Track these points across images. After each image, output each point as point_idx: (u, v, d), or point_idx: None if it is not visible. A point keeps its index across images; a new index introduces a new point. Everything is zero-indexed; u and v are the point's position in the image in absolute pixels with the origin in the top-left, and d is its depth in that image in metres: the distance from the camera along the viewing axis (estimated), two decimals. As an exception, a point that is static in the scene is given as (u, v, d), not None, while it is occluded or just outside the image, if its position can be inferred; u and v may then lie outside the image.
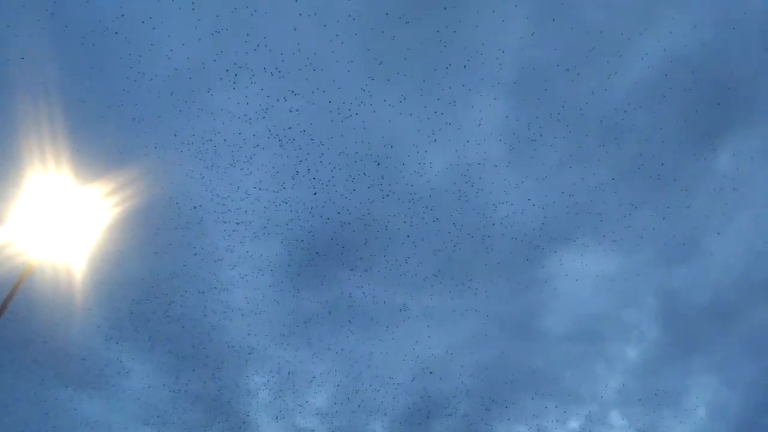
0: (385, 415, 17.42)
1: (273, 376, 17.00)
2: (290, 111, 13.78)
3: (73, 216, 12.16)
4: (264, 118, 13.62)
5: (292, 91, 13.69)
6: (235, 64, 13.39)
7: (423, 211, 15.27)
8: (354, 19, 13.02)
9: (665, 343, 17.64)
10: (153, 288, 15.57)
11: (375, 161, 14.14)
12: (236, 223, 14.37)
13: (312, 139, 13.94)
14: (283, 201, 14.64)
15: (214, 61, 13.35)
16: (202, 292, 15.50)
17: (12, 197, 11.86)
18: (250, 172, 14.11)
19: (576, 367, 17.41)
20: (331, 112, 13.93)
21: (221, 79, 13.62)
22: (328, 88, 13.72)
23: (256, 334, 16.26)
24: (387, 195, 14.83)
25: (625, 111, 14.68)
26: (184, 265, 15.73)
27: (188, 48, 13.08)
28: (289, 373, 17.02)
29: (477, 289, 15.96)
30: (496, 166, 14.97)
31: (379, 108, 14.07)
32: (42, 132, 11.76)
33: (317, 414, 17.52)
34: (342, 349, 16.93)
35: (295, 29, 13.10)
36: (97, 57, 12.30)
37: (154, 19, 12.54)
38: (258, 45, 13.32)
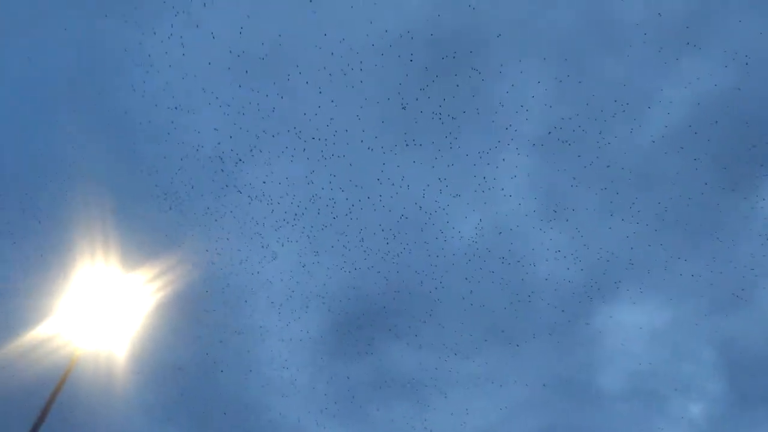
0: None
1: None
2: (321, 185, 13.96)
3: (117, 304, 12.29)
4: (294, 195, 13.83)
5: (322, 163, 13.91)
6: (260, 140, 13.72)
7: (463, 273, 15.07)
8: (376, 87, 13.32)
9: (728, 396, 16.65)
10: (196, 369, 15.43)
11: (413, 227, 14.12)
12: (276, 299, 14.35)
13: (345, 210, 14.05)
14: (320, 273, 14.63)
15: (243, 141, 13.70)
16: (248, 371, 15.31)
17: (59, 289, 12.11)
18: (286, 246, 14.20)
19: (637, 428, 16.46)
20: (360, 181, 14.07)
21: (252, 156, 13.92)
22: (356, 158, 13.91)
23: (300, 411, 15.87)
24: (425, 259, 14.71)
25: (657, 159, 14.54)
26: (227, 345, 15.62)
27: (219, 132, 13.48)
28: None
29: (525, 351, 15.47)
30: (530, 222, 14.82)
31: (408, 173, 14.17)
32: (86, 224, 12.09)
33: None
34: (391, 421, 16.37)
35: (319, 107, 13.45)
36: (131, 142, 12.74)
37: (185, 106, 13.04)
38: (286, 121, 13.67)
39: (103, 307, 12.61)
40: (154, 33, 12.19)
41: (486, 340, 15.46)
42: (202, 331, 14.84)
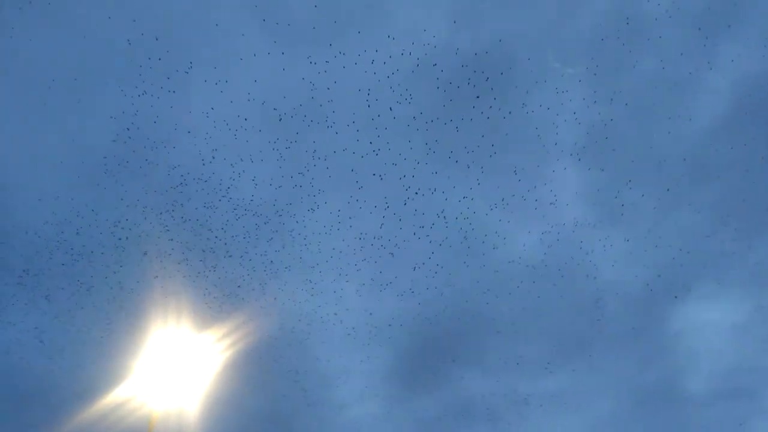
0: None
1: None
2: (369, 218, 14.02)
3: (190, 363, 12.54)
4: (344, 232, 13.92)
5: (369, 196, 13.96)
6: (304, 184, 13.91)
7: (524, 290, 14.75)
8: (410, 114, 13.35)
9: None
10: (270, 421, 15.51)
11: (468, 250, 13.98)
12: (341, 340, 14.37)
13: (397, 241, 14.03)
14: (381, 309, 14.58)
15: (294, 186, 13.93)
16: (321, 418, 15.31)
17: (134, 352, 12.50)
18: (344, 284, 14.25)
19: (734, 428, 15.49)
20: (407, 209, 14.02)
21: (302, 202, 14.13)
22: (399, 185, 13.89)
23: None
24: (485, 282, 14.49)
25: (708, 148, 14.01)
26: (298, 392, 15.67)
27: (264, 183, 13.75)
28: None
29: (600, 363, 14.90)
30: (587, 230, 14.43)
31: (453, 195, 14.07)
32: (158, 289, 12.49)
33: None
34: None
35: (357, 140, 13.56)
36: (184, 202, 13.12)
37: (240, 162, 13.39)
38: (326, 161, 13.82)
39: (176, 367, 12.88)
40: (189, 98, 12.65)
41: (559, 356, 15.00)
42: (272, 380, 14.92)
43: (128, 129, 11.97)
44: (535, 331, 14.88)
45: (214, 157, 12.51)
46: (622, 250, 14.13)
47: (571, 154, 13.82)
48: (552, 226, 14.23)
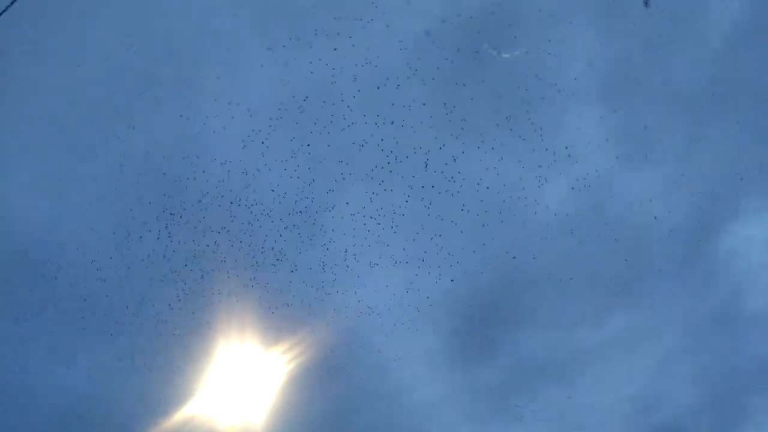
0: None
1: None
2: (401, 198, 13.93)
3: (255, 378, 12.63)
4: (382, 215, 13.85)
5: (397, 178, 13.86)
6: (327, 180, 13.83)
7: (563, 243, 14.61)
8: (424, 85, 13.13)
9: None
10: (338, 423, 15.56)
11: (500, 213, 13.84)
12: (394, 326, 14.37)
13: (432, 217, 13.94)
14: (425, 286, 14.52)
15: (317, 184, 13.84)
16: (388, 408, 15.36)
17: (201, 369, 12.61)
18: (387, 270, 14.21)
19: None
20: (435, 181, 13.86)
21: (330, 197, 14.03)
22: (421, 162, 13.72)
23: (451, 428, 15.76)
24: (522, 241, 14.37)
25: (727, 64, 13.71)
26: (362, 389, 15.68)
27: (289, 187, 13.69)
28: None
29: (655, 300, 14.79)
30: (617, 173, 14.23)
31: (475, 163, 13.90)
32: (224, 307, 12.58)
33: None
34: (540, 409, 16.00)
35: (377, 125, 13.41)
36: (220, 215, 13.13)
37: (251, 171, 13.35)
38: (345, 152, 13.69)
39: (241, 382, 12.94)
40: (206, 117, 12.58)
41: (612, 301, 14.91)
42: (335, 383, 14.93)
43: (152, 153, 12.02)
44: (583, 281, 14.79)
45: (246, 174, 12.52)
46: (657, 187, 13.93)
47: (588, 100, 13.61)
48: (581, 175, 14.05)
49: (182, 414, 13.00)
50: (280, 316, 13.25)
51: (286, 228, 13.11)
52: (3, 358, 12.47)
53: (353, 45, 12.24)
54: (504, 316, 15.06)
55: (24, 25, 11.12)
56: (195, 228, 12.87)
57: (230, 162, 12.61)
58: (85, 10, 11.74)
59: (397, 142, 13.26)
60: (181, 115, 12.18)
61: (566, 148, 13.80)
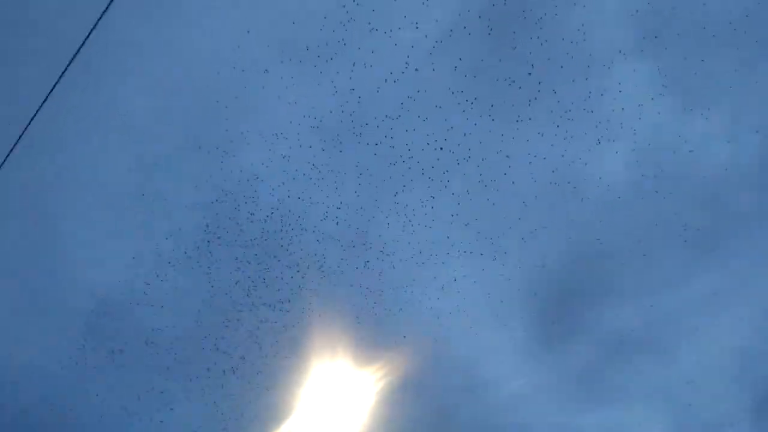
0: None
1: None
2: (454, 194, 13.75)
3: (350, 398, 12.73)
4: (433, 216, 13.71)
5: (443, 175, 13.69)
6: (387, 187, 13.79)
7: (631, 208, 14.01)
8: (452, 71, 12.93)
9: None
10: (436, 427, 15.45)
11: (559, 188, 13.42)
12: (475, 322, 14.19)
13: (491, 207, 13.69)
14: (502, 278, 14.27)
15: (368, 196, 13.83)
16: (484, 407, 15.15)
17: (296, 389, 12.84)
18: (462, 267, 14.04)
19: None
20: (484, 164, 13.59)
21: (384, 206, 13.98)
22: (465, 152, 13.47)
23: (552, 415, 15.36)
24: (590, 216, 13.87)
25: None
26: (448, 393, 15.54)
27: (353, 201, 13.74)
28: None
29: (741, 248, 13.92)
30: (673, 125, 13.52)
31: (522, 143, 13.52)
32: (318, 324, 12.88)
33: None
34: (639, 382, 15.35)
35: (415, 130, 13.31)
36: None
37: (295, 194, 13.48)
38: (392, 159, 13.63)
39: (336, 401, 13.08)
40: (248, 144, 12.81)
41: (695, 259, 14.14)
42: (424, 395, 14.84)
43: (217, 200, 12.38)
44: (661, 243, 14.10)
45: (299, 198, 12.69)
46: (721, 131, 13.15)
47: (629, 57, 13.02)
48: (635, 137, 13.44)
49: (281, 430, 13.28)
50: (360, 334, 13.30)
51: (347, 248, 13.19)
52: (101, 410, 13.03)
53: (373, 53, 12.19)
54: (583, 294, 14.56)
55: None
56: (273, 257, 13.12)
57: (281, 189, 12.80)
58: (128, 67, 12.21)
59: (436, 139, 13.10)
60: (221, 162, 12.48)
61: (613, 111, 13.27)
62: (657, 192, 13.47)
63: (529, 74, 12.50)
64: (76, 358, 12.43)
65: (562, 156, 13.03)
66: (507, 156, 13.14)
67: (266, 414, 13.18)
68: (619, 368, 15.27)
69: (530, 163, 13.21)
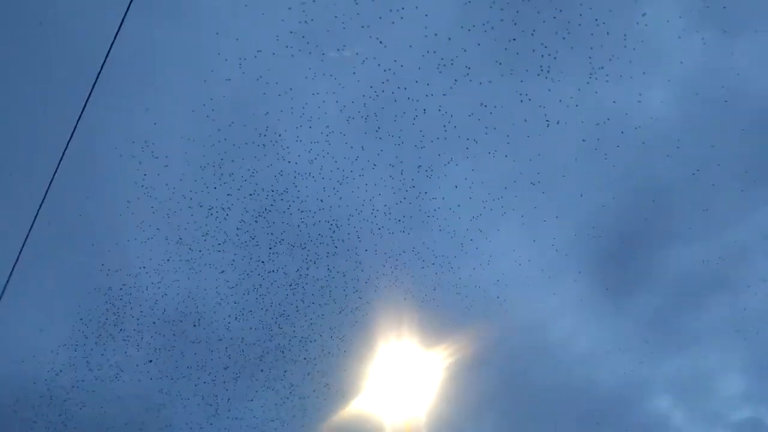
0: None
1: (676, 393, 15.43)
2: (498, 159, 13.54)
3: (417, 376, 12.74)
4: (488, 182, 13.54)
5: (487, 143, 13.51)
6: (430, 165, 13.68)
7: (682, 147, 13.55)
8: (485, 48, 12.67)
9: None
10: (512, 394, 15.38)
11: (610, 134, 13.03)
12: (540, 282, 14.03)
13: (540, 167, 13.45)
14: (560, 236, 14.05)
15: (410, 174, 13.73)
16: (555, 367, 15.02)
17: (365, 368, 12.96)
18: (520, 229, 13.87)
19: None
20: (532, 131, 13.33)
21: (431, 183, 13.89)
22: (508, 116, 13.23)
23: (632, 374, 15.12)
24: (642, 158, 13.47)
25: None
26: (521, 358, 15.42)
27: (401, 182, 13.67)
28: (690, 381, 15.36)
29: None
30: (715, 49, 12.98)
31: (563, 96, 13.11)
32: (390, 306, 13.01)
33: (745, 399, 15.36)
34: (711, 322, 14.96)
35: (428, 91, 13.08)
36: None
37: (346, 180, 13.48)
38: (434, 135, 13.49)
39: (404, 380, 13.07)
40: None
41: (757, 192, 13.62)
42: (497, 362, 14.73)
43: (270, 207, 12.52)
44: (719, 179, 13.59)
45: (351, 189, 12.67)
46: (760, 55, 12.59)
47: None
48: (676, 74, 12.99)
49: (349, 412, 13.40)
50: (424, 313, 13.28)
51: (405, 229, 13.16)
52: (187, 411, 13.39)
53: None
54: (644, 239, 14.19)
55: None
56: (332, 249, 13.22)
57: (327, 180, 12.85)
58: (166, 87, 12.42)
59: (475, 104, 12.92)
60: (270, 165, 12.58)
61: (650, 51, 12.85)
62: (708, 124, 13.02)
63: (555, 33, 12.19)
64: (163, 361, 12.92)
65: (606, 101, 12.68)
66: (548, 111, 12.88)
67: (338, 394, 13.36)
68: (690, 311, 14.92)
69: (572, 113, 12.93)
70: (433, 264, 13.73)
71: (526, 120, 12.64)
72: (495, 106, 12.98)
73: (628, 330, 15.17)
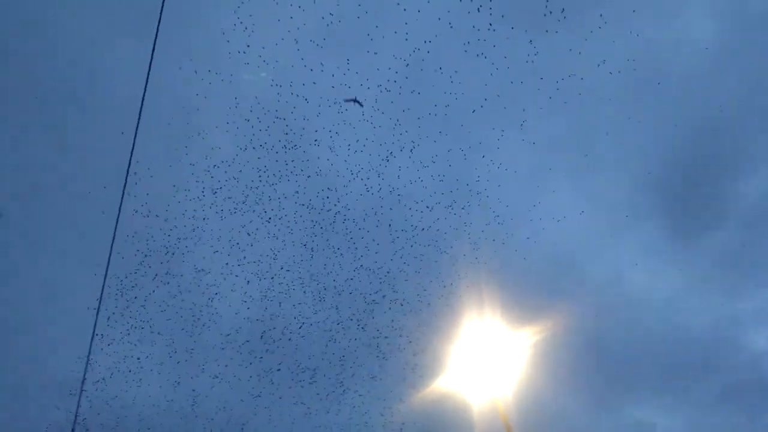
0: None
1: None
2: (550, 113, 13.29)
3: (502, 355, 12.75)
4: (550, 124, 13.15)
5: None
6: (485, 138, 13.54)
7: (737, 67, 12.80)
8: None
9: None
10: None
11: (654, 74, 12.59)
12: (603, 236, 13.71)
13: (581, 118, 13.21)
14: (610, 183, 13.75)
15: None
16: (637, 326, 14.51)
17: (450, 349, 13.07)
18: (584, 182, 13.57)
19: None
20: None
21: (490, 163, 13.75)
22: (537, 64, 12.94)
23: (706, 307, 14.50)
24: (700, 84, 12.89)
25: None
26: (598, 312, 15.02)
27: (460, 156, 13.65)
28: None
29: None
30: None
31: (592, 51, 12.74)
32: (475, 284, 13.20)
33: None
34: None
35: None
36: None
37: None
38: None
39: (489, 359, 13.11)
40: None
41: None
42: (581, 325, 14.45)
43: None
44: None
45: (405, 181, 12.94)
46: None
47: None
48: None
49: (437, 392, 13.49)
50: (498, 285, 13.18)
51: (451, 206, 13.22)
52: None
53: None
54: (712, 172, 13.49)
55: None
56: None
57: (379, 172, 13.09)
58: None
59: (504, 72, 12.80)
60: (317, 171, 12.87)
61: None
62: (758, 41, 12.36)
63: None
64: (249, 375, 13.49)
65: (643, 40, 12.27)
66: (580, 65, 12.68)
67: (426, 376, 13.46)
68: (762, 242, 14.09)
69: (606, 60, 12.62)
70: (500, 242, 13.68)
71: (558, 81, 12.46)
72: (530, 70, 12.85)
73: (707, 269, 14.63)
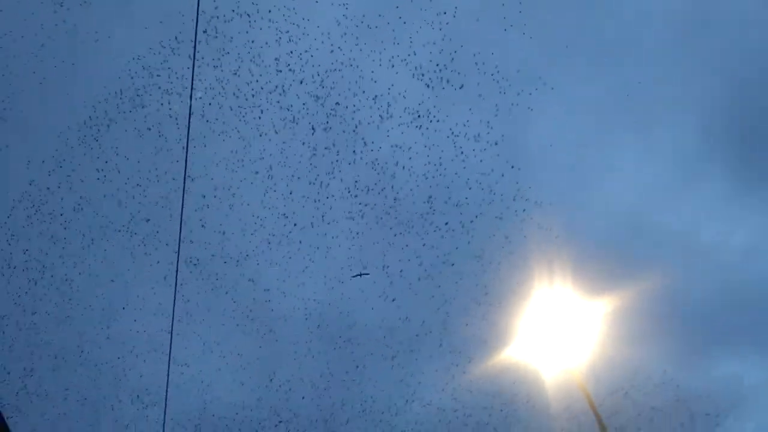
0: None
1: None
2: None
3: (574, 326, 12.55)
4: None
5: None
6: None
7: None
8: None
9: None
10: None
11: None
12: (667, 194, 13.30)
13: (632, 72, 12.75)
14: (669, 140, 13.25)
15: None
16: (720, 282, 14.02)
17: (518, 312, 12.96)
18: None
19: None
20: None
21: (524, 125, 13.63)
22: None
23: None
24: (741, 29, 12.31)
25: None
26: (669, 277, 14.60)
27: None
28: None
29: None
30: None
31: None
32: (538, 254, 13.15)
33: None
34: None
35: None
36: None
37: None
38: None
39: (560, 328, 12.91)
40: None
41: None
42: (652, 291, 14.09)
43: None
44: None
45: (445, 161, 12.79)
46: None
47: None
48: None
49: (503, 360, 13.42)
50: (566, 251, 13.01)
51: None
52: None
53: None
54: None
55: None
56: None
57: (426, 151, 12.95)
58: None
59: (547, 40, 12.48)
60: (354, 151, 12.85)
61: None
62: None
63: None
64: (322, 368, 13.70)
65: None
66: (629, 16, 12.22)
67: (495, 348, 13.40)
68: None
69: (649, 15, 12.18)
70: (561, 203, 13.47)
71: (597, 47, 12.10)
72: (571, 36, 12.54)
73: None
